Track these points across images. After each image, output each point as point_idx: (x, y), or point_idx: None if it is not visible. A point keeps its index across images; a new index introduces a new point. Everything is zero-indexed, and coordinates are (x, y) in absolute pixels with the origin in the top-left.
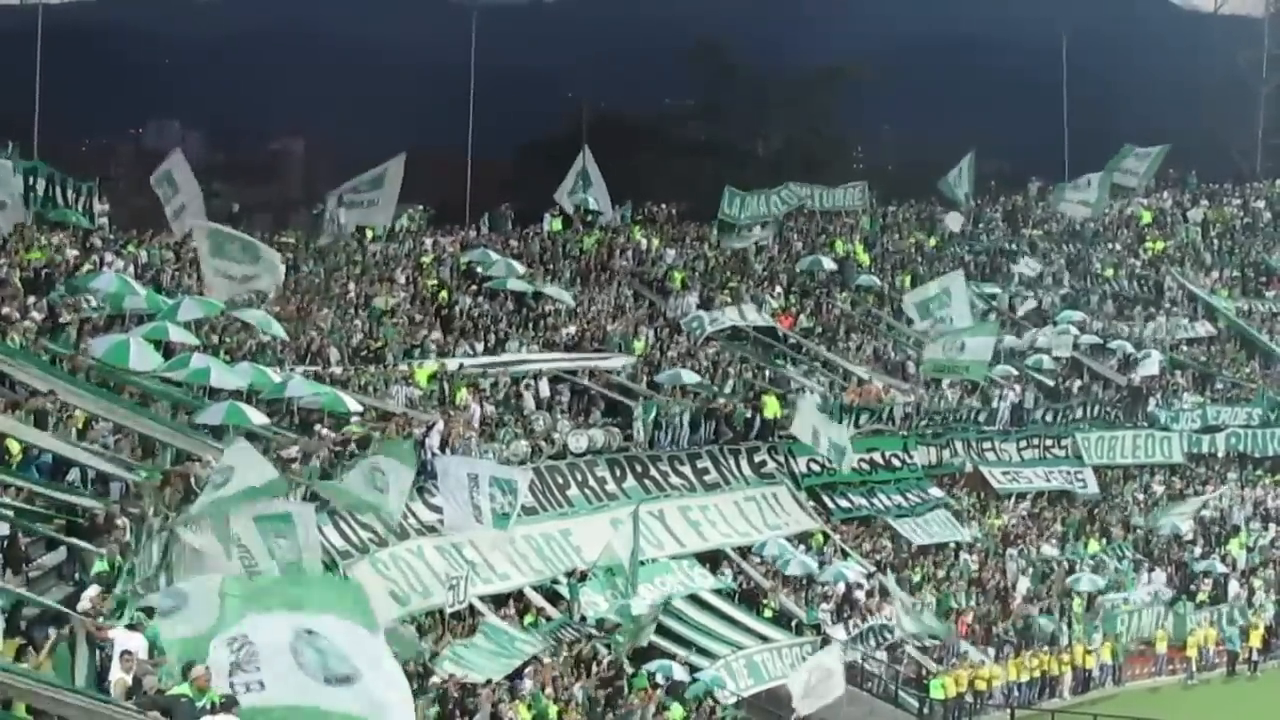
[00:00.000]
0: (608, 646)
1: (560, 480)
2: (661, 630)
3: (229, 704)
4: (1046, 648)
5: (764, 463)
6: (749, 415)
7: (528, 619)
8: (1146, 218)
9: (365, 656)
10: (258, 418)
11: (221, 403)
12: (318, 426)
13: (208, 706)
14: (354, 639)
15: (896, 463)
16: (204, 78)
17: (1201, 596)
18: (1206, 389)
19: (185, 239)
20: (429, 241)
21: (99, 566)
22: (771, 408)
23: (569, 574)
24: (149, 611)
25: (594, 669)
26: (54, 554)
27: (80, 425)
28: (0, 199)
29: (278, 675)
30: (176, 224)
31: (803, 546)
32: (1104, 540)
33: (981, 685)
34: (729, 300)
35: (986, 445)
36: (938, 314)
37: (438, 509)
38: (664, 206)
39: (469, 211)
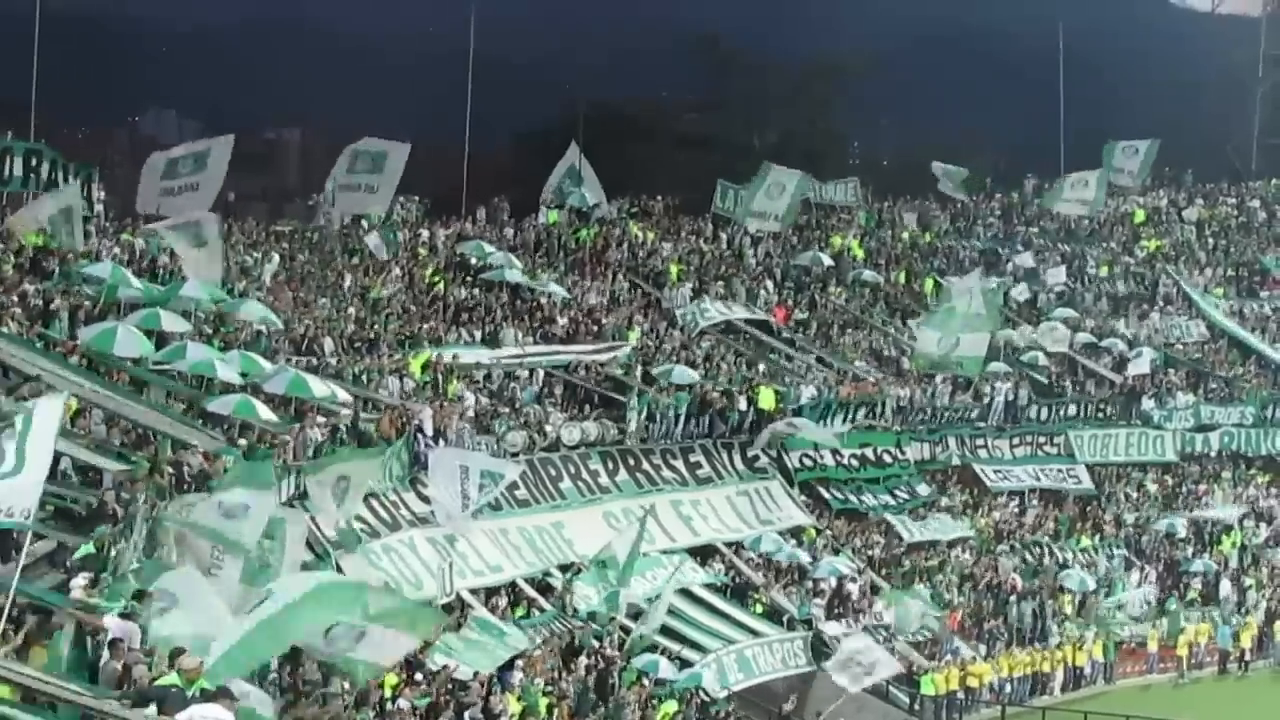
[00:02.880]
0: (598, 639)
1: (553, 472)
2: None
3: (220, 693)
4: (1037, 643)
5: (756, 457)
6: (743, 409)
7: (518, 611)
8: (1140, 216)
9: None
10: (266, 413)
11: (234, 394)
12: (308, 415)
13: (197, 695)
14: None
15: (888, 459)
16: (201, 66)
17: (1193, 595)
18: (1200, 388)
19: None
20: (425, 232)
21: (83, 551)
22: (766, 400)
23: (562, 567)
24: (139, 596)
25: (584, 662)
26: (45, 542)
27: (72, 413)
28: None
29: None
30: (164, 197)
31: (794, 541)
32: (1096, 537)
33: (973, 682)
34: (723, 293)
35: (979, 442)
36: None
37: (429, 500)
38: (660, 199)
39: (465, 203)
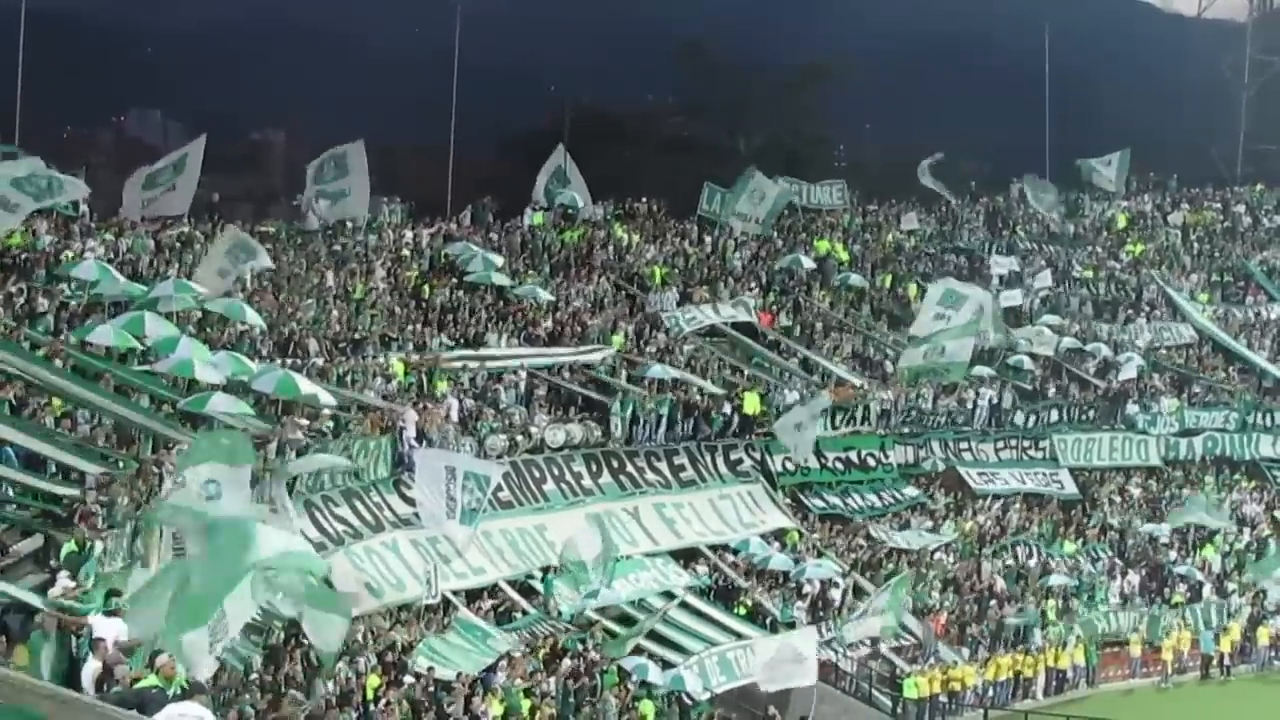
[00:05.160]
0: (581, 642)
1: (537, 474)
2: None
3: (194, 689)
4: (1020, 647)
5: (740, 460)
6: (728, 412)
7: (499, 609)
8: (1122, 221)
9: None
10: (224, 405)
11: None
12: (286, 418)
13: (176, 694)
14: None
15: (872, 462)
16: (186, 67)
17: (1177, 599)
18: (1184, 392)
19: (164, 226)
20: (409, 234)
21: (66, 549)
22: (751, 404)
23: (544, 569)
24: (117, 593)
25: (566, 664)
26: (29, 541)
27: (57, 413)
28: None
29: None
30: (147, 206)
31: (778, 545)
32: (1080, 541)
33: (955, 685)
34: (708, 297)
35: (964, 445)
36: (946, 311)
37: (413, 502)
38: (645, 202)
39: (450, 205)
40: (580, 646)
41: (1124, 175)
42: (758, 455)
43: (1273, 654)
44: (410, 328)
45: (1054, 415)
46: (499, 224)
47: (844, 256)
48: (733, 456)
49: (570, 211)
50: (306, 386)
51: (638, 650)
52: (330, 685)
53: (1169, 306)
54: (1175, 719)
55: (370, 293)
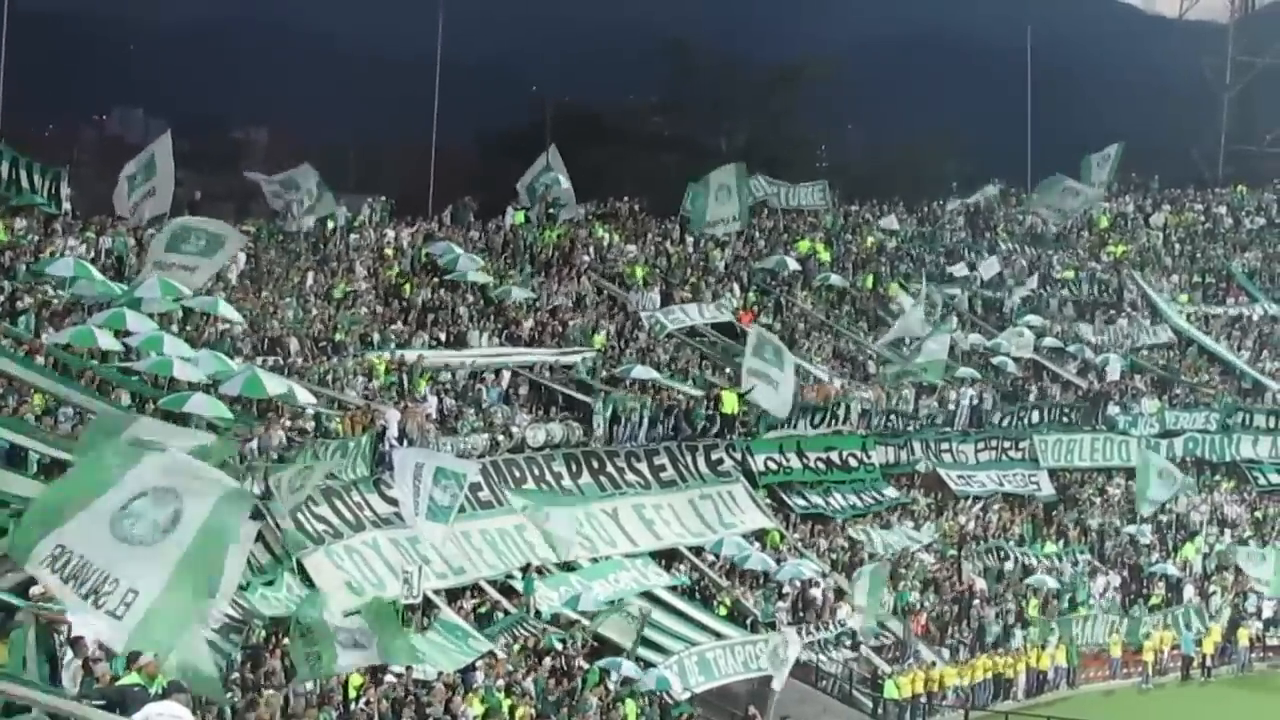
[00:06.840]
0: (563, 641)
1: (517, 474)
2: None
3: (172, 689)
4: (1001, 649)
5: (721, 460)
6: (708, 412)
7: (481, 610)
8: (1104, 222)
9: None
10: (203, 406)
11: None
12: (271, 415)
13: (158, 694)
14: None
15: (854, 462)
16: (169, 65)
17: (1155, 600)
18: (1165, 394)
19: (147, 225)
20: (390, 233)
21: None
22: (729, 404)
23: (523, 568)
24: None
25: (547, 663)
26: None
27: (38, 411)
28: None
29: (125, 570)
30: (136, 210)
31: (758, 545)
32: (1061, 542)
33: (935, 686)
34: (689, 296)
35: (944, 446)
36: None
37: (393, 501)
38: (626, 202)
39: (431, 204)
40: (561, 646)
41: (1115, 169)
42: (738, 455)
43: (1253, 655)
44: (391, 327)
45: (1035, 416)
46: (480, 223)
47: (825, 257)
48: (713, 456)
49: (553, 211)
50: (274, 387)
51: (618, 650)
52: (310, 684)
53: (1150, 307)
54: None
55: (351, 292)
